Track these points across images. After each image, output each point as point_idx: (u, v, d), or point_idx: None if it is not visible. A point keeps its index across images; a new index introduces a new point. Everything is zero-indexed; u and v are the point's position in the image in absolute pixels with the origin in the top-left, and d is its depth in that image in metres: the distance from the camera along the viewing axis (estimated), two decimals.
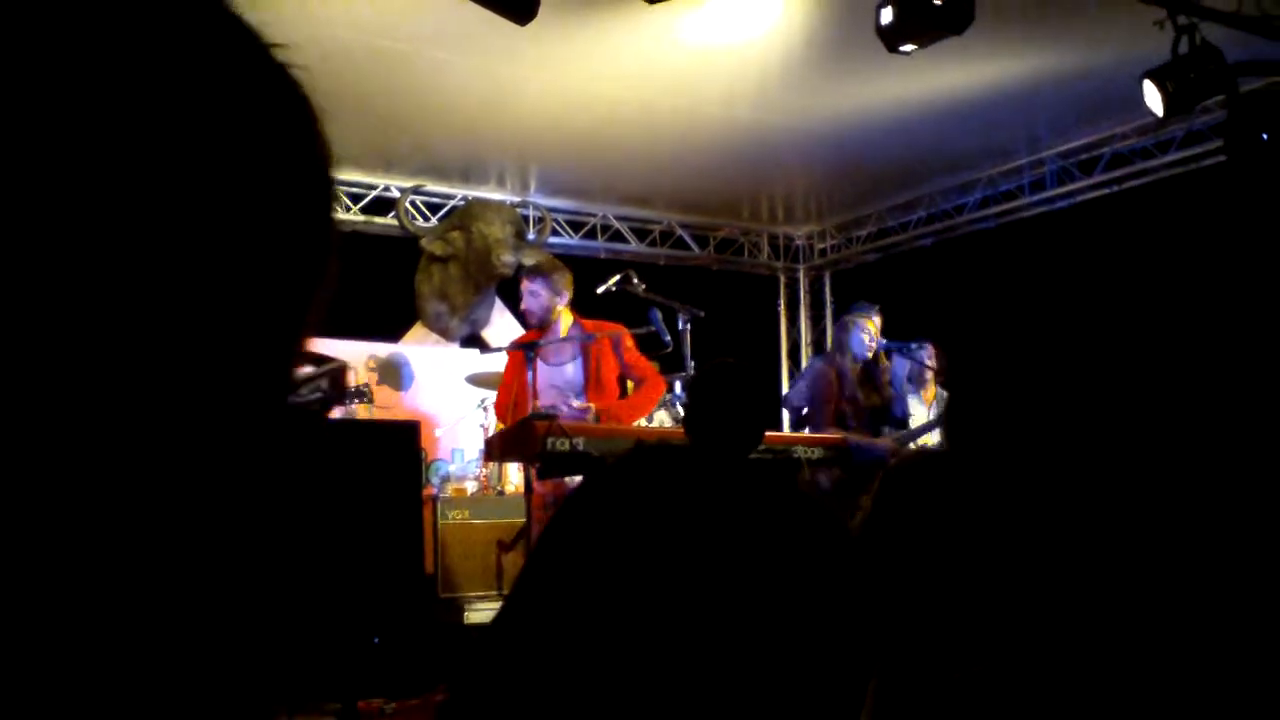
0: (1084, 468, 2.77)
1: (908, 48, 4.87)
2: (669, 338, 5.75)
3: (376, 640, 3.52)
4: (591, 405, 5.57)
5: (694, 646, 2.66)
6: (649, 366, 5.80)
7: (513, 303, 8.49)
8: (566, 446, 4.81)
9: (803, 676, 2.75)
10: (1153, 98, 5.54)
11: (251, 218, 0.53)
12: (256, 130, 0.54)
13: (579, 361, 5.87)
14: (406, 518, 3.63)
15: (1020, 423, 2.72)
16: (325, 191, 0.58)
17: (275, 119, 0.55)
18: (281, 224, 0.55)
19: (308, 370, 4.32)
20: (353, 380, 7.16)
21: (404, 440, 3.65)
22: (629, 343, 5.77)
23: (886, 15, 4.78)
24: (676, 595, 2.65)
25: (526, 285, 5.79)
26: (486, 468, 6.92)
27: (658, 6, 4.60)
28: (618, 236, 9.05)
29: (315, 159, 0.58)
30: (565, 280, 5.79)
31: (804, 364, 9.82)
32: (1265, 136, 5.40)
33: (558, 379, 5.75)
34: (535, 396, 5.56)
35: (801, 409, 6.52)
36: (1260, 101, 5.63)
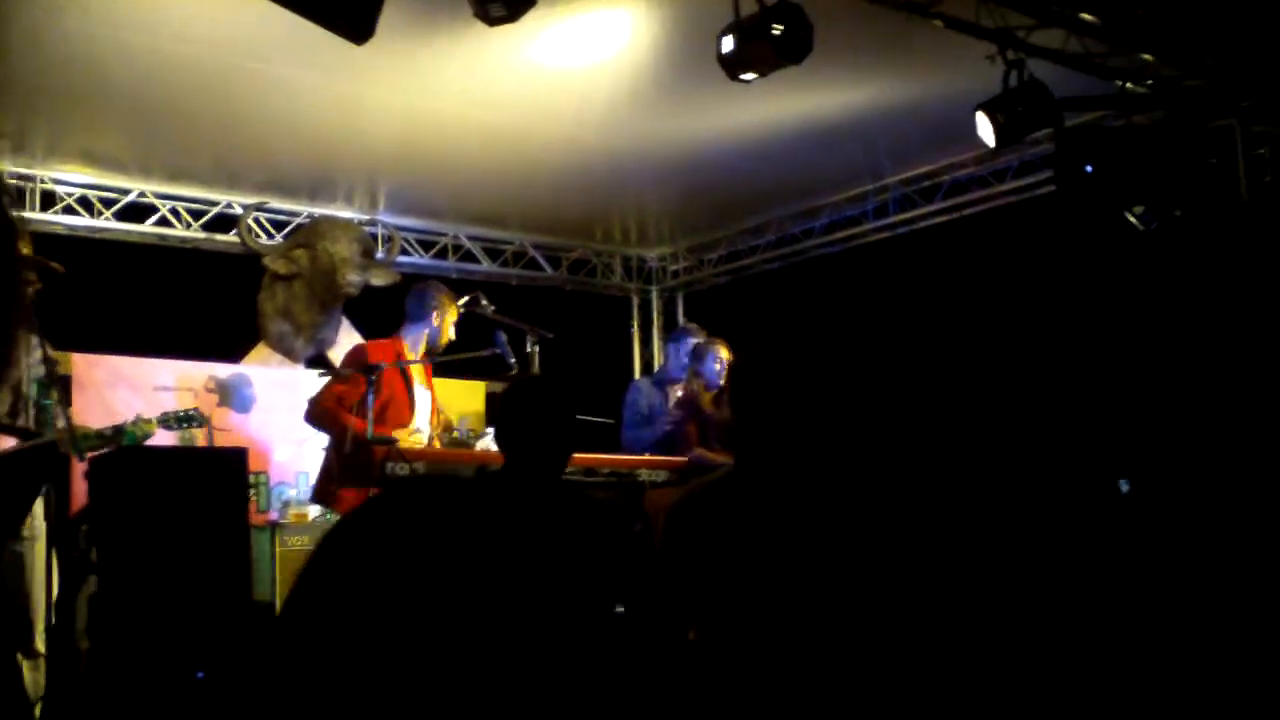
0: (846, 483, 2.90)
1: (748, 76, 4.95)
2: (514, 360, 5.73)
3: (200, 675, 3.40)
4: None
5: (481, 665, 2.65)
6: None
7: (361, 323, 8.37)
8: (406, 470, 4.75)
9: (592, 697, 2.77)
10: (984, 129, 5.73)
11: None
12: None
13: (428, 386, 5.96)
14: (233, 546, 3.53)
15: (795, 440, 2.83)
16: None
17: None
18: None
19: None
20: (180, 403, 6.96)
21: (231, 467, 3.54)
22: None
23: (727, 44, 4.84)
24: (455, 615, 2.62)
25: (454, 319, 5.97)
26: None
27: (502, 29, 4.57)
28: (469, 256, 8.98)
29: None
30: None
31: None
32: (1089, 169, 5.62)
33: (424, 401, 5.83)
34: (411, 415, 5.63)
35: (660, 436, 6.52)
36: (1084, 136, 5.87)
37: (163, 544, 3.34)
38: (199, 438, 6.50)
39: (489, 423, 7.49)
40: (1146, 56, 5.84)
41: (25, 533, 4.66)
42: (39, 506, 4.68)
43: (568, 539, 2.94)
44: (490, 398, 8.42)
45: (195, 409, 4.94)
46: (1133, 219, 5.79)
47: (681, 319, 9.93)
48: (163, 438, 5.29)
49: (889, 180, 8.05)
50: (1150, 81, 5.98)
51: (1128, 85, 5.95)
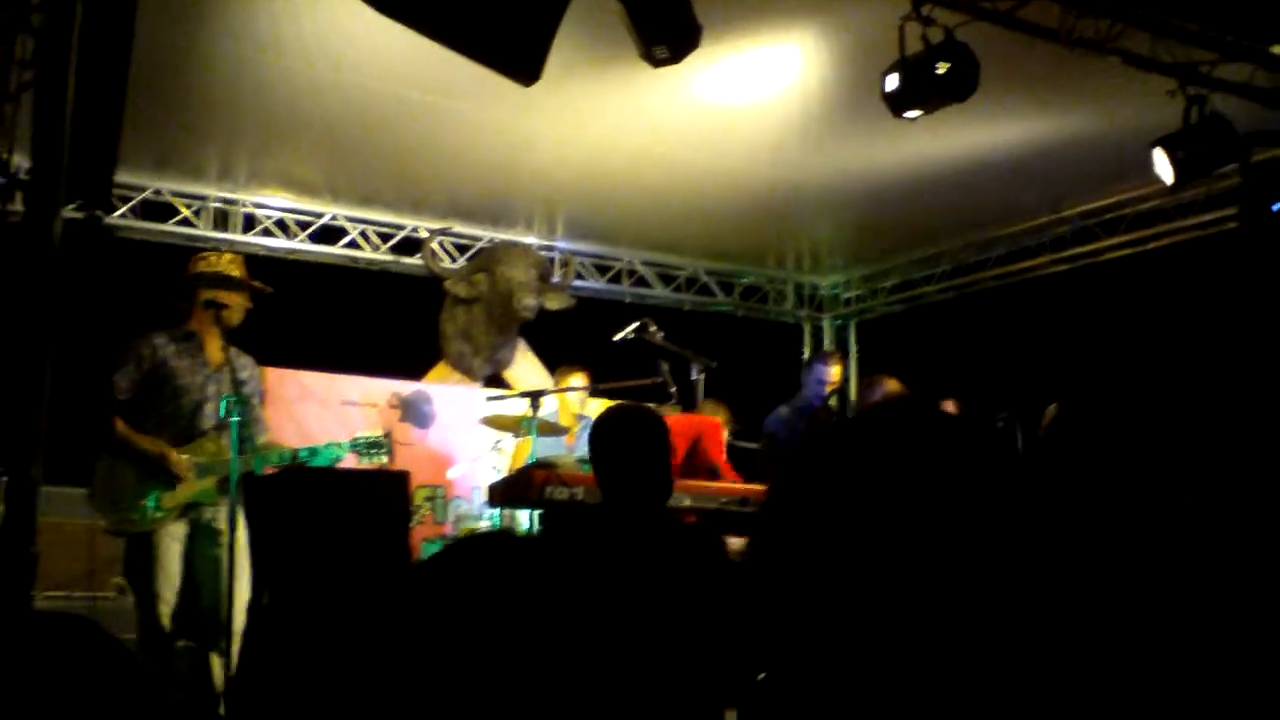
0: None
1: (913, 114, 4.94)
2: (673, 389, 5.83)
3: None
4: None
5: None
6: None
7: (537, 345, 8.60)
8: (565, 495, 4.89)
9: None
10: (1163, 166, 5.58)
11: None
12: None
13: None
14: (395, 568, 3.70)
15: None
16: None
17: None
18: None
19: None
20: (364, 419, 7.30)
21: (393, 489, 3.72)
22: None
23: (892, 82, 4.86)
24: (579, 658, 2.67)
25: None
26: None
27: (670, 68, 4.68)
28: (643, 281, 9.14)
29: None
30: None
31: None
32: (1276, 208, 5.41)
33: None
34: None
35: None
36: (1271, 172, 5.64)
37: (323, 562, 3.53)
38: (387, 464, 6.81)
39: None
40: None
41: (222, 539, 4.97)
42: (241, 518, 4.99)
43: (664, 575, 2.93)
44: None
45: (386, 435, 5.21)
46: None
47: (854, 347, 9.88)
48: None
49: (1067, 213, 7.86)
50: None
51: None
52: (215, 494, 4.96)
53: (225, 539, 4.93)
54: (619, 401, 5.62)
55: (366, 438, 5.30)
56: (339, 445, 5.13)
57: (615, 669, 2.73)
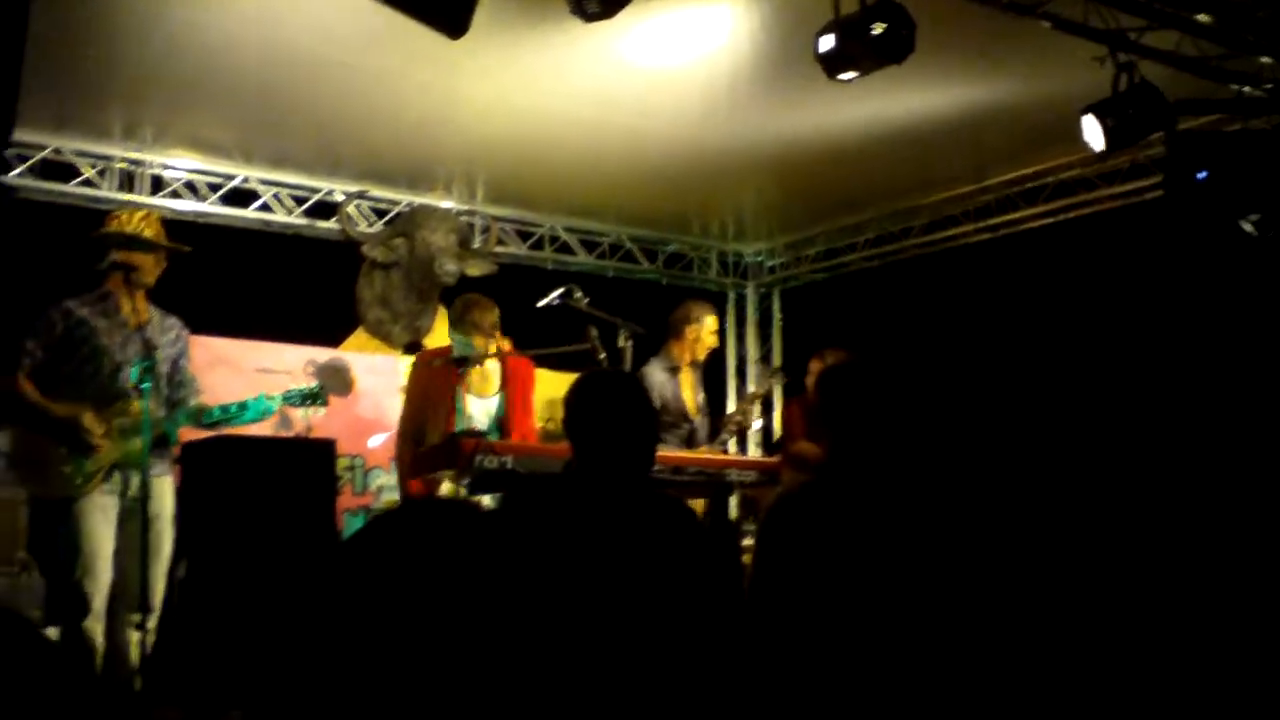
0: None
1: (847, 75, 4.86)
2: (603, 355, 5.72)
3: None
4: None
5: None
6: None
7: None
8: (495, 464, 4.77)
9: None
10: (1092, 133, 5.57)
11: None
12: None
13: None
14: (320, 537, 3.57)
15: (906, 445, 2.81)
16: None
17: None
18: None
19: None
20: (279, 387, 7.10)
21: (319, 458, 3.57)
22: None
23: (826, 42, 4.77)
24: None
25: None
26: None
27: (599, 26, 4.55)
28: (566, 248, 8.99)
29: None
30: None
31: (751, 380, 9.81)
32: (1201, 175, 5.44)
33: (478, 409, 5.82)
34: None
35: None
36: (1197, 141, 5.68)
37: (249, 532, 3.39)
38: (296, 420, 6.59)
39: None
40: (1265, 59, 5.63)
41: (154, 510, 4.77)
42: (169, 486, 4.80)
43: (643, 546, 2.84)
44: None
45: (320, 386, 5.07)
46: (1248, 227, 5.59)
47: (777, 315, 9.86)
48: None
49: (991, 181, 7.88)
50: (1269, 85, 5.76)
51: (1244, 89, 5.74)
52: (144, 455, 4.74)
53: (156, 509, 4.74)
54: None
55: (301, 390, 5.18)
56: (270, 398, 4.99)
57: (593, 658, 2.61)
